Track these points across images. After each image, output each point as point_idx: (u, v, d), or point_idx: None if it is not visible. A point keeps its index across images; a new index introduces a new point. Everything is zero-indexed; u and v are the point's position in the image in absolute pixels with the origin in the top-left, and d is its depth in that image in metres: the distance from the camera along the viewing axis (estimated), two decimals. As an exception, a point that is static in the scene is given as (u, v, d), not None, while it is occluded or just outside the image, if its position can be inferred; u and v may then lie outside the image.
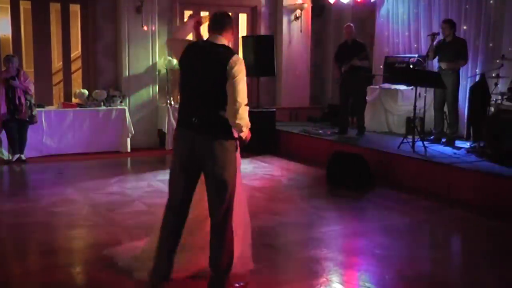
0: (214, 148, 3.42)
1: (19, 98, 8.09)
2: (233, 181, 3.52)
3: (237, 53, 3.61)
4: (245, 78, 3.44)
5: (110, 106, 9.37)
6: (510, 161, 6.41)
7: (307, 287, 3.96)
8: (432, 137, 8.20)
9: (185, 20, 11.26)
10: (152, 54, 9.89)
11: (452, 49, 7.81)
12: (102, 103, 9.36)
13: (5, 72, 8.16)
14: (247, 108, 3.43)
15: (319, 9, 11.55)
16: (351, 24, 9.05)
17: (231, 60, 3.38)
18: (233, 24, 3.72)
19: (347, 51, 8.80)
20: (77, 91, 9.52)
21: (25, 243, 4.93)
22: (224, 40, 3.57)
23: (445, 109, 8.15)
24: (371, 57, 10.44)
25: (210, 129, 3.44)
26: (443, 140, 8.06)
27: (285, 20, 11.11)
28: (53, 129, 8.87)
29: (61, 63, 10.76)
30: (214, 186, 3.49)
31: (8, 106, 8.06)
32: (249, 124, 3.47)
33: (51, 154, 8.81)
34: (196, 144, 3.46)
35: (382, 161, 7.35)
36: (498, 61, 7.60)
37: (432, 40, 7.95)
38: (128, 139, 9.39)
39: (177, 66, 10.17)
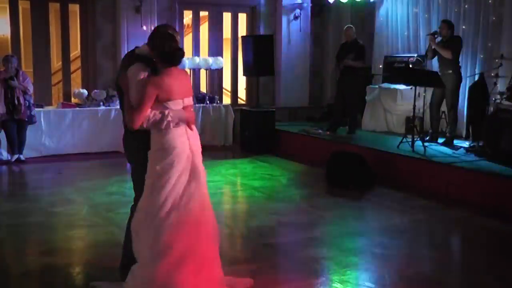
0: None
1: (18, 98, 8.08)
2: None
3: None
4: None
5: (109, 106, 9.33)
6: (509, 160, 6.41)
7: (306, 286, 3.96)
8: (428, 137, 8.17)
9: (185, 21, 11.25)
10: (151, 54, 9.87)
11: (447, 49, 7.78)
12: (102, 103, 9.34)
13: (4, 72, 8.14)
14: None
15: (319, 9, 11.56)
16: (351, 26, 9.09)
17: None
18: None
19: (345, 51, 8.93)
20: (76, 91, 9.51)
21: (24, 243, 4.93)
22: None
23: (444, 108, 8.15)
24: (370, 57, 10.44)
25: None
26: (440, 139, 8.05)
27: (284, 19, 11.10)
28: (52, 129, 8.83)
29: (60, 63, 10.77)
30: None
31: (7, 106, 8.05)
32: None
33: (50, 154, 8.78)
34: None
35: (382, 160, 7.36)
36: (497, 60, 7.59)
37: (433, 40, 7.90)
38: (127, 139, 9.34)
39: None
